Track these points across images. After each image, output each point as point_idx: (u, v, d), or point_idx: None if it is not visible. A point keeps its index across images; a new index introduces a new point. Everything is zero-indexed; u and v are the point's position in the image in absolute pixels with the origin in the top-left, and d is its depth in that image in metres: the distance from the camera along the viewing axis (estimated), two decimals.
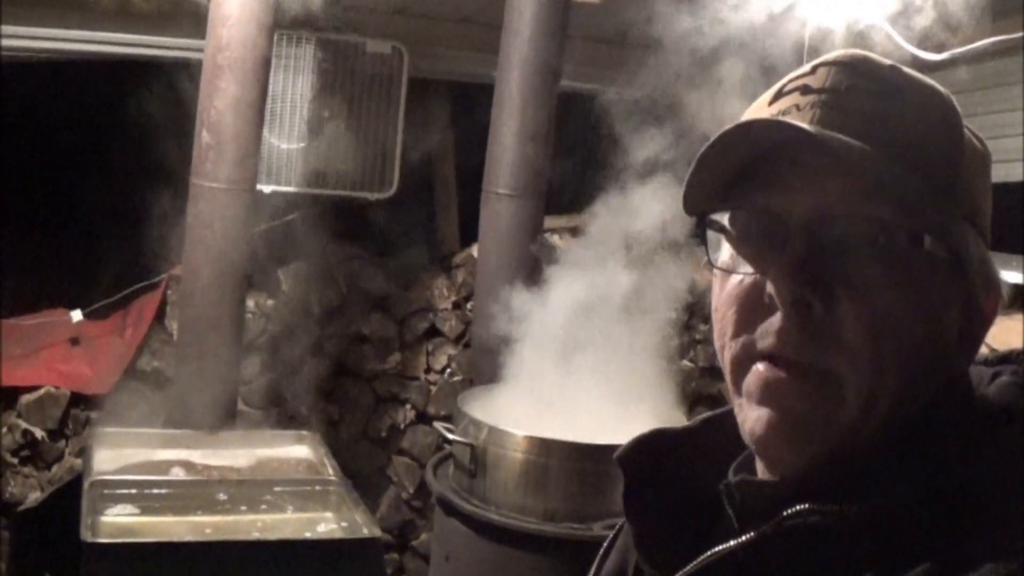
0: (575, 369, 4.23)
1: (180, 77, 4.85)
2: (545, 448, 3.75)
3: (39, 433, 5.24)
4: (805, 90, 1.22)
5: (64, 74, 5.17)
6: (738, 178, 1.23)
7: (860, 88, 1.20)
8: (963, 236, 1.19)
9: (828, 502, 1.12)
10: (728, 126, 1.19)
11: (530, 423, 3.89)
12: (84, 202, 5.36)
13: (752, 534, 1.17)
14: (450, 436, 4.01)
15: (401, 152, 5.69)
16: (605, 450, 3.66)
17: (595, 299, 4.31)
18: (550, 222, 5.71)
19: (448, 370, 6.13)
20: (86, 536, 3.14)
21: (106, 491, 3.58)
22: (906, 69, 1.24)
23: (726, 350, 1.24)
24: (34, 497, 4.55)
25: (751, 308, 1.21)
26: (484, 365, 4.44)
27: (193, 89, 4.47)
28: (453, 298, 6.16)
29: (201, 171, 4.30)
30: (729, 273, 1.25)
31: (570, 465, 3.74)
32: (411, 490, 6.09)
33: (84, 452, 4.20)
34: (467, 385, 4.50)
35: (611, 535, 1.52)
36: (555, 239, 5.83)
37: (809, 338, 1.16)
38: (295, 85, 5.42)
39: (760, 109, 1.26)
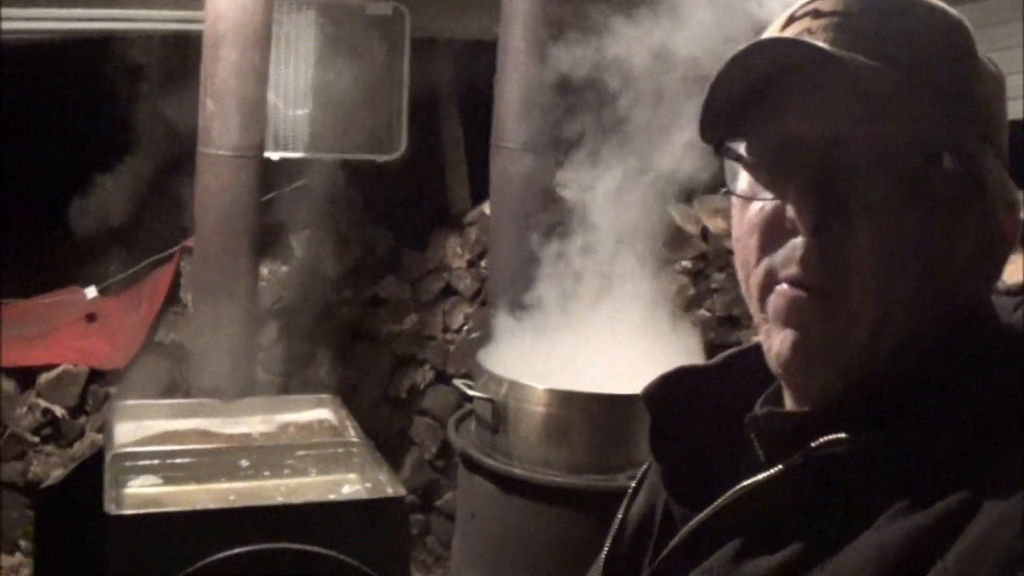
0: (593, 321, 4.21)
1: (182, 48, 4.83)
2: (566, 400, 3.73)
3: (59, 411, 5.24)
4: (816, 14, 1.20)
5: (67, 51, 5.15)
6: (753, 102, 1.21)
7: (871, 9, 1.19)
8: (981, 154, 1.17)
9: (855, 432, 1.11)
10: (742, 47, 1.17)
11: (550, 376, 3.86)
12: (93, 178, 5.34)
13: (780, 467, 1.16)
14: (470, 392, 3.99)
15: (408, 113, 5.66)
16: (626, 400, 3.65)
17: (610, 250, 4.29)
18: (563, 175, 5.68)
19: (465, 328, 6.12)
20: (110, 509, 3.13)
21: (128, 463, 3.58)
22: None
23: (751, 277, 1.24)
24: (56, 474, 4.55)
25: (772, 234, 1.20)
26: (501, 321, 4.42)
27: (197, 59, 4.44)
28: (467, 256, 6.14)
29: (207, 140, 4.28)
30: (748, 200, 1.24)
31: (592, 417, 3.72)
32: (434, 450, 6.08)
33: (104, 426, 4.19)
34: (485, 342, 4.48)
35: (638, 476, 1.51)
36: (568, 192, 5.80)
37: (830, 263, 1.15)
38: (298, 51, 5.38)
39: (772, 34, 1.23)
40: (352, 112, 5.52)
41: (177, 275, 5.58)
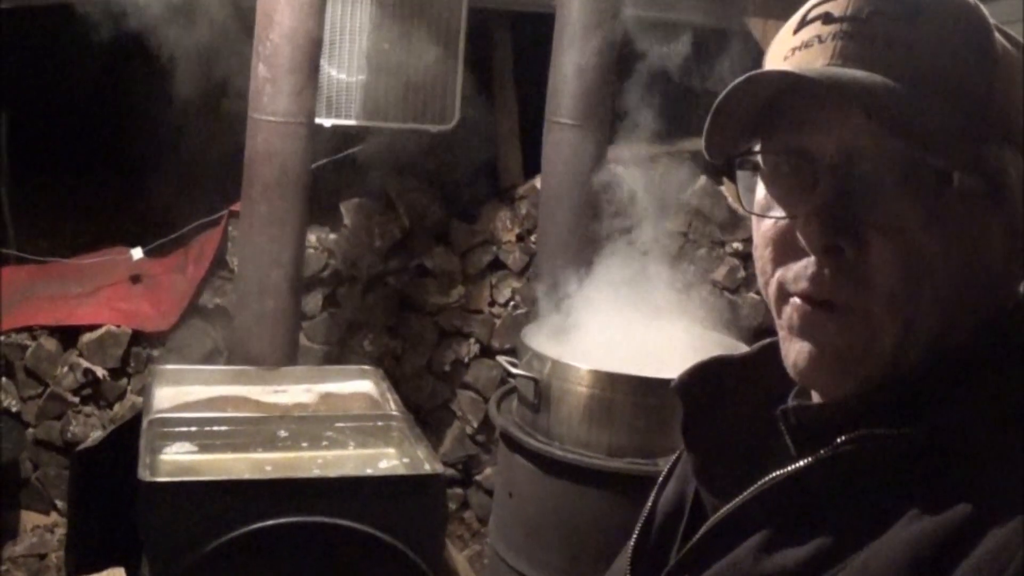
0: (641, 301, 4.16)
1: (239, 10, 4.79)
2: (610, 382, 3.69)
3: (100, 372, 5.25)
4: (827, 19, 1.20)
5: (124, 8, 5.14)
6: (764, 118, 1.21)
7: (882, 13, 1.17)
8: (999, 159, 1.15)
9: (885, 426, 1.11)
10: (738, 79, 1.17)
11: (594, 356, 3.82)
12: (145, 139, 5.33)
13: (810, 459, 1.15)
14: (513, 370, 3.95)
15: (462, 83, 5.61)
16: (670, 384, 3.60)
17: (661, 232, 4.24)
18: (616, 152, 5.63)
19: (512, 303, 6.08)
20: (144, 475, 3.11)
21: (165, 429, 3.56)
22: None
23: (768, 286, 1.25)
24: (94, 436, 4.54)
25: (785, 249, 1.22)
26: (548, 298, 4.37)
27: (251, 21, 4.40)
28: (517, 230, 6.10)
29: (258, 105, 4.25)
30: (763, 215, 1.24)
31: (635, 399, 3.67)
32: (475, 424, 6.06)
33: (144, 390, 4.18)
34: (531, 318, 4.44)
35: (669, 464, 1.52)
36: (621, 169, 5.74)
37: (842, 281, 1.16)
38: (354, 17, 5.34)
39: (786, 38, 1.25)
40: (406, 81, 5.49)
41: (224, 239, 5.56)
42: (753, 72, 1.18)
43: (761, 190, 1.26)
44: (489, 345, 6.08)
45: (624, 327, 4.09)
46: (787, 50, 1.23)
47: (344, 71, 5.36)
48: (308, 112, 4.29)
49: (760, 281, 1.28)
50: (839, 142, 1.16)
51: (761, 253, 1.25)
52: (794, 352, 1.22)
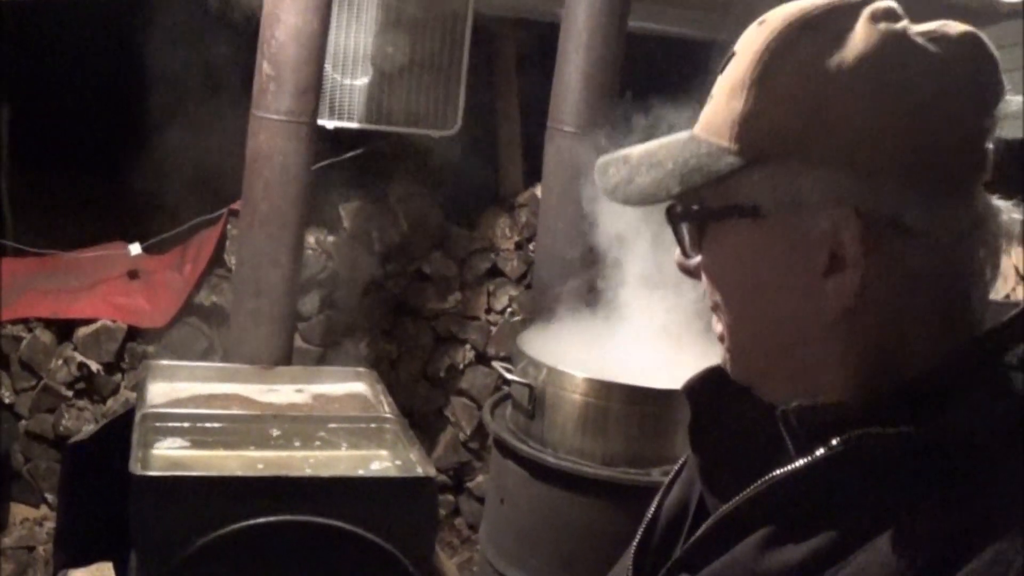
0: (639, 311, 4.16)
1: (244, 8, 4.79)
2: (605, 391, 3.68)
3: (95, 366, 5.24)
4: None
5: (126, 3, 5.14)
6: None
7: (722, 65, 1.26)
8: (901, 205, 1.13)
9: (883, 426, 1.12)
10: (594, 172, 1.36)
11: (590, 365, 3.82)
12: (145, 135, 5.32)
13: (809, 458, 1.16)
14: (509, 376, 3.95)
15: (465, 89, 5.61)
16: (666, 395, 3.60)
17: (660, 240, 4.23)
18: None
19: (509, 311, 6.08)
20: (135, 469, 3.10)
21: (158, 424, 3.55)
22: (772, 14, 1.21)
23: None
24: (87, 429, 4.54)
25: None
26: (545, 306, 4.37)
27: (257, 20, 4.40)
28: (516, 238, 6.11)
29: (261, 103, 4.24)
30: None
31: (630, 409, 3.67)
32: (468, 431, 6.06)
33: (137, 385, 4.17)
34: (527, 326, 4.44)
35: (675, 468, 1.53)
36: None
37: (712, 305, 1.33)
38: (359, 20, 5.35)
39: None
40: (410, 85, 5.49)
41: (223, 237, 5.56)
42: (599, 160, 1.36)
43: None
44: (485, 352, 6.08)
45: (621, 337, 4.08)
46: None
47: (348, 74, 5.36)
48: (311, 112, 4.28)
49: None
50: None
51: None
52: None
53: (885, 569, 1.05)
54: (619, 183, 1.29)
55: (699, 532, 1.30)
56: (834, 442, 1.13)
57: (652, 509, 1.49)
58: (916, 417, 1.10)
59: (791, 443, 1.22)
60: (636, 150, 1.30)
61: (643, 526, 1.48)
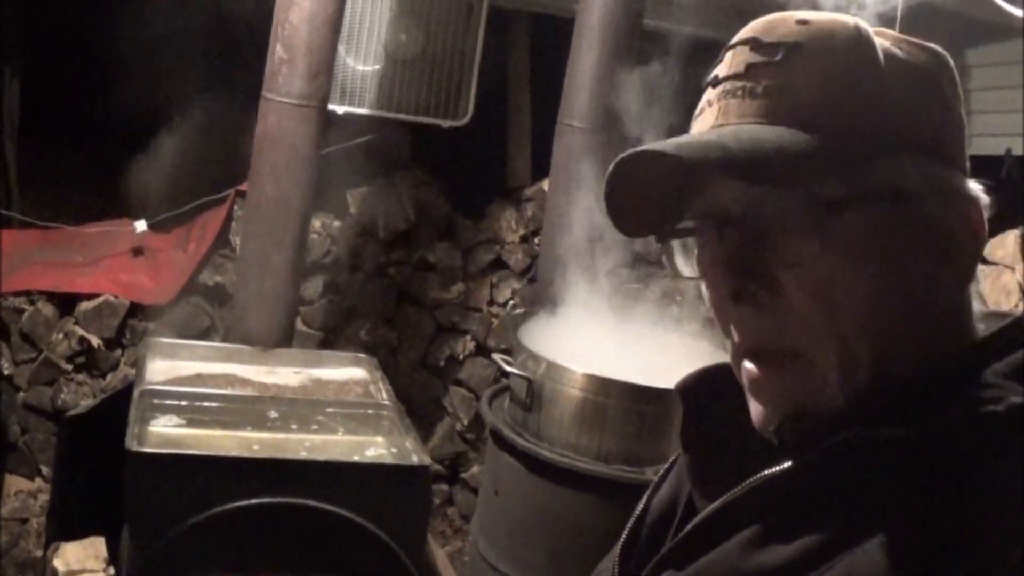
0: (642, 308, 4.16)
1: None
2: (603, 387, 3.68)
3: (95, 341, 5.25)
4: (715, 82, 1.25)
5: None
6: (679, 187, 1.26)
7: (757, 64, 1.21)
8: (894, 170, 1.16)
9: (873, 429, 1.11)
10: (611, 166, 1.23)
11: (590, 360, 3.82)
12: (155, 114, 5.33)
13: (799, 459, 1.17)
14: (508, 368, 3.95)
15: (477, 80, 5.62)
16: (665, 394, 3.60)
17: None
18: None
19: (511, 303, 6.08)
20: (131, 445, 3.11)
21: (155, 401, 3.55)
22: (813, 16, 1.22)
23: (726, 351, 1.30)
24: (85, 404, 4.54)
25: (720, 309, 1.25)
26: (548, 300, 4.37)
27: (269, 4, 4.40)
28: (521, 231, 6.11)
29: (272, 85, 4.24)
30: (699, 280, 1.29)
31: (628, 406, 3.67)
32: (465, 422, 6.06)
33: (137, 361, 4.18)
34: (528, 319, 4.45)
35: (665, 466, 1.52)
36: None
37: (763, 326, 1.20)
38: (373, 6, 5.35)
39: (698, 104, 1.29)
40: (422, 74, 5.49)
41: (229, 218, 5.56)
42: (619, 157, 1.21)
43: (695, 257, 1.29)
44: (485, 344, 6.08)
45: (623, 334, 4.09)
46: (693, 119, 1.28)
47: (360, 60, 5.36)
48: (322, 96, 4.28)
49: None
50: (733, 196, 1.19)
51: (715, 319, 1.29)
52: (754, 413, 1.26)
53: (872, 572, 1.05)
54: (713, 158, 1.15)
55: (686, 529, 1.29)
56: (823, 444, 1.13)
57: (641, 505, 1.49)
58: (905, 420, 1.10)
59: (781, 446, 1.22)
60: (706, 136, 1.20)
61: (631, 522, 1.47)
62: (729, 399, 1.35)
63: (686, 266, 1.30)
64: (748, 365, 1.23)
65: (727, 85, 1.21)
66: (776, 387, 1.21)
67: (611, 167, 1.21)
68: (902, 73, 1.19)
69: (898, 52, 1.20)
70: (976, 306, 1.25)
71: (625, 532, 1.47)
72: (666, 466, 1.52)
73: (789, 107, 1.16)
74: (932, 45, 1.24)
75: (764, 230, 1.17)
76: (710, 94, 1.24)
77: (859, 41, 1.19)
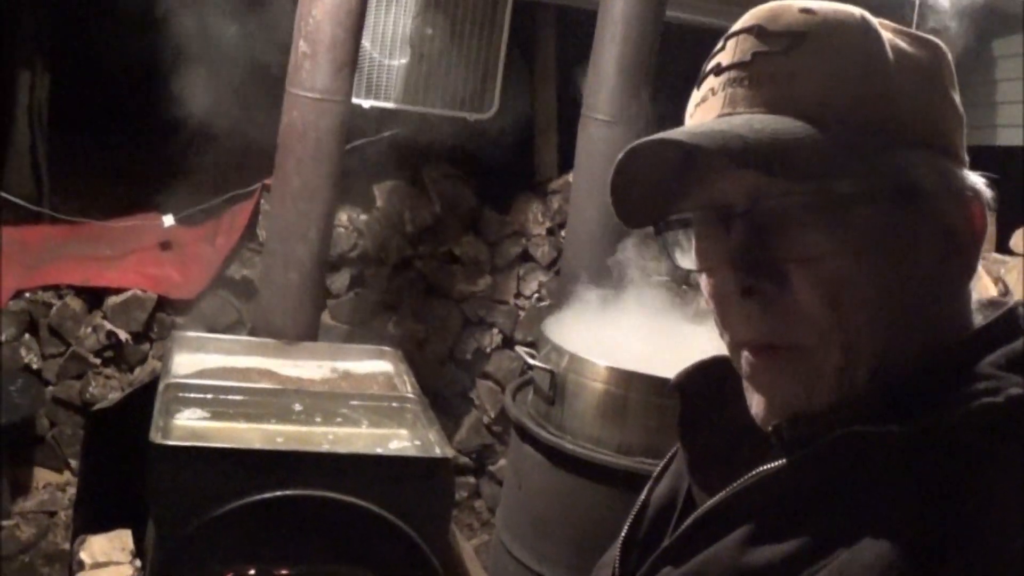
0: (667, 303, 4.16)
1: None
2: (626, 380, 3.67)
3: (123, 335, 5.27)
4: (718, 70, 1.23)
5: None
6: (679, 179, 1.25)
7: (764, 52, 1.19)
8: (907, 163, 1.16)
9: (869, 425, 1.11)
10: (620, 154, 1.21)
11: (613, 353, 3.81)
12: (183, 108, 5.35)
13: (795, 456, 1.16)
14: (531, 361, 3.95)
15: (503, 74, 5.62)
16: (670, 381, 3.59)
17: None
18: None
19: (537, 296, 6.09)
20: (155, 438, 3.13)
21: (181, 394, 3.57)
22: (817, 5, 1.20)
23: (723, 340, 1.29)
24: (111, 397, 4.57)
25: (722, 304, 1.24)
26: (572, 293, 4.37)
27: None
28: (547, 224, 6.11)
29: (296, 80, 4.25)
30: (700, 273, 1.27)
31: (650, 399, 3.66)
32: (492, 415, 6.07)
33: (163, 355, 4.20)
34: (553, 312, 4.45)
35: (665, 459, 1.53)
36: None
37: (771, 320, 1.18)
38: (399, 1, 5.36)
39: (693, 95, 1.28)
40: (447, 68, 5.50)
41: (256, 212, 5.58)
42: (625, 149, 1.20)
43: (693, 250, 1.28)
44: (512, 336, 6.09)
45: (647, 327, 4.08)
46: (692, 107, 1.27)
47: (386, 53, 5.37)
48: (346, 91, 4.30)
49: (719, 334, 1.30)
50: (741, 188, 1.18)
51: (711, 308, 1.28)
52: (753, 403, 1.26)
53: (868, 568, 1.05)
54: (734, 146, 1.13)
55: (684, 526, 1.29)
56: (819, 441, 1.13)
57: (640, 500, 1.49)
58: (901, 416, 1.10)
59: (778, 444, 1.23)
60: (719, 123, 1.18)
61: (631, 516, 1.48)
62: (726, 392, 1.36)
63: (684, 258, 1.28)
64: (747, 355, 1.23)
65: (732, 73, 1.20)
66: (777, 378, 1.21)
67: (621, 155, 1.20)
68: (907, 67, 1.19)
69: (901, 45, 1.20)
70: (973, 296, 1.25)
71: (626, 527, 1.47)
72: (665, 460, 1.53)
73: (797, 98, 1.15)
74: (929, 36, 1.24)
75: (773, 223, 1.16)
76: (712, 82, 1.22)
77: (867, 33, 1.18)
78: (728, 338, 1.26)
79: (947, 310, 1.21)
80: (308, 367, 4.12)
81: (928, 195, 1.16)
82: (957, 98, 1.23)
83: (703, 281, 1.27)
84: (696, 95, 1.26)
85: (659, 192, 1.26)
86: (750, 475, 1.21)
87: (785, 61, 1.17)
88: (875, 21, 1.20)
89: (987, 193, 1.22)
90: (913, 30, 1.23)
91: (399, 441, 3.65)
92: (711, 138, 1.13)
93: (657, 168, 1.23)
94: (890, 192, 1.14)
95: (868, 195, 1.14)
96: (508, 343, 6.08)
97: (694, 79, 1.29)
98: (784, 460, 1.17)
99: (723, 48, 1.24)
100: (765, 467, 1.19)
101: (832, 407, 1.18)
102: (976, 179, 1.21)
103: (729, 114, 1.19)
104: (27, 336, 5.26)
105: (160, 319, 5.38)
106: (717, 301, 1.25)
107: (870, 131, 1.14)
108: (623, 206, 1.27)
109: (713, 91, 1.22)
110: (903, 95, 1.17)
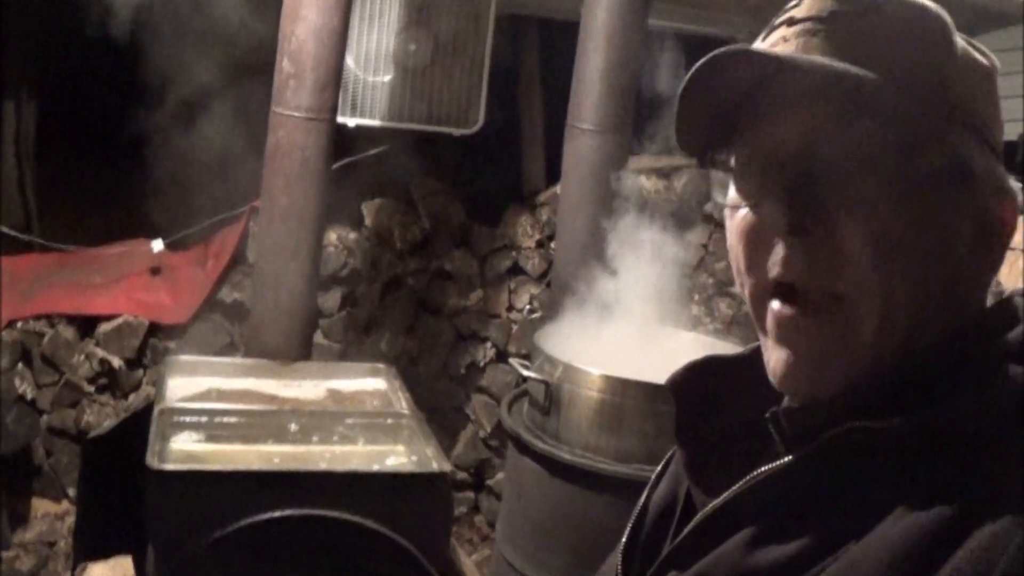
0: (657, 311, 4.16)
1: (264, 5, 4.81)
2: (620, 388, 3.68)
3: (116, 362, 5.26)
4: (791, 22, 1.23)
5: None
6: (735, 110, 1.22)
7: (841, 12, 1.20)
8: (963, 144, 1.17)
9: (873, 420, 1.11)
10: (699, 62, 1.18)
11: (607, 362, 3.82)
12: (169, 132, 5.35)
13: (797, 454, 1.16)
14: (525, 372, 3.95)
15: (488, 87, 5.63)
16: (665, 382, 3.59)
17: (681, 241, 4.23)
18: (638, 162, 5.64)
19: (529, 308, 6.09)
20: (152, 462, 3.12)
21: (176, 418, 3.57)
22: None
23: (744, 287, 1.25)
24: (106, 424, 4.56)
25: (758, 242, 1.22)
26: (564, 304, 4.38)
27: (276, 19, 4.41)
28: (537, 236, 6.11)
29: (281, 100, 4.26)
30: (736, 209, 1.25)
31: (645, 406, 3.66)
32: (488, 429, 6.06)
33: (157, 379, 4.20)
34: (546, 323, 4.45)
35: (663, 462, 1.53)
36: (642, 179, 5.73)
37: (813, 263, 1.16)
38: (381, 18, 5.36)
39: (757, 44, 1.26)
40: (432, 83, 5.50)
41: (245, 234, 5.58)
42: (706, 57, 1.17)
43: (732, 187, 1.26)
44: (505, 350, 6.08)
45: (638, 335, 4.09)
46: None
47: (370, 71, 5.37)
48: (331, 108, 4.30)
49: (737, 283, 1.28)
50: (800, 128, 1.17)
51: (736, 250, 1.25)
52: (774, 359, 1.23)
53: (876, 563, 1.04)
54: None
55: (686, 530, 1.29)
56: (821, 437, 1.13)
57: (639, 505, 1.49)
58: (904, 410, 1.10)
59: (781, 443, 1.22)
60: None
61: (632, 521, 1.48)
62: (720, 391, 1.37)
63: (720, 193, 1.29)
64: (777, 306, 1.21)
65: (807, 25, 1.20)
66: (809, 329, 1.19)
67: (700, 62, 1.17)
68: (970, 62, 1.22)
69: (967, 46, 1.23)
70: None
71: (626, 532, 1.47)
72: (663, 463, 1.53)
73: (867, 59, 1.14)
74: (985, 48, 1.26)
75: (833, 168, 1.15)
76: (784, 31, 1.22)
77: (943, 23, 1.21)
78: (754, 281, 1.24)
79: (971, 300, 1.22)
80: (303, 387, 4.12)
81: (976, 180, 1.18)
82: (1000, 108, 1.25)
83: (737, 217, 1.25)
84: (759, 44, 1.26)
85: (717, 121, 1.24)
86: (752, 475, 1.20)
87: (860, 22, 1.18)
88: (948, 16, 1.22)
89: (1021, 196, 1.23)
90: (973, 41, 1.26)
91: (396, 457, 3.65)
92: (801, 60, 1.15)
93: (726, 89, 1.21)
94: (946, 165, 1.16)
95: (926, 159, 1.14)
96: (502, 356, 6.08)
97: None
98: (786, 458, 1.17)
99: (797, 4, 1.25)
100: (767, 466, 1.19)
101: (830, 401, 1.17)
102: (1014, 181, 1.22)
103: None
104: (20, 366, 5.25)
105: (153, 344, 5.37)
106: (752, 238, 1.22)
107: (936, 104, 1.16)
108: (683, 125, 1.25)
109: (785, 39, 1.21)
110: (964, 82, 1.19)
